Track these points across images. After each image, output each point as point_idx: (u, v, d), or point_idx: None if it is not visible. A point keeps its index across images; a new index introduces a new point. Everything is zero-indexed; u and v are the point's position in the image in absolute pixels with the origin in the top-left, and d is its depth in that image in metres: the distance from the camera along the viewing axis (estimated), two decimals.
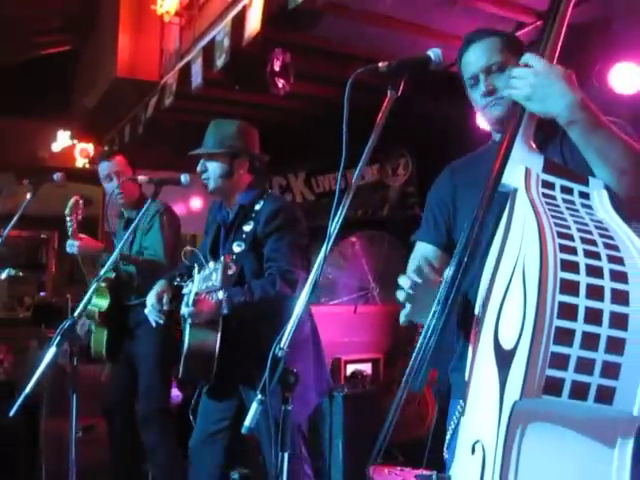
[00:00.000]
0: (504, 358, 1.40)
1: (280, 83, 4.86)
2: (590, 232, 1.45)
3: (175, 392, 4.44)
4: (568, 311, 1.32)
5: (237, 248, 3.11)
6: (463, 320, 1.79)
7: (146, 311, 3.19)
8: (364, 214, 7.31)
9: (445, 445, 1.85)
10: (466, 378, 1.63)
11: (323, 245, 1.80)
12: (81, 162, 9.76)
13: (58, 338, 2.64)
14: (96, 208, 8.42)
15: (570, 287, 1.34)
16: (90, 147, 9.82)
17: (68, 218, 3.99)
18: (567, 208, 1.53)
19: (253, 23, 4.31)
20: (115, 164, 4.20)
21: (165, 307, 3.14)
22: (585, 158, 1.67)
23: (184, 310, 2.94)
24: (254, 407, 1.70)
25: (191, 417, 3.54)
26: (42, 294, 12.21)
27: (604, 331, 1.32)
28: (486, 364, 1.49)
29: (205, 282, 2.68)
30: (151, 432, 4.03)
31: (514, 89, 1.69)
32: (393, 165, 7.01)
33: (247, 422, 1.71)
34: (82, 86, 8.81)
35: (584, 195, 1.59)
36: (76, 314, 2.75)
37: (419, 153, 6.70)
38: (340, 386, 4.91)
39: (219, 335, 3.02)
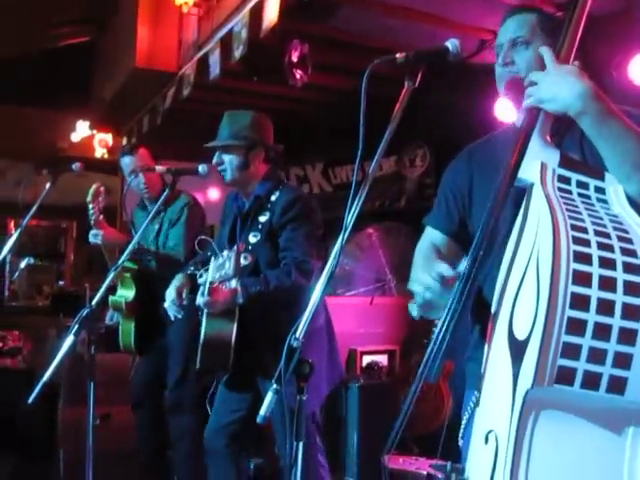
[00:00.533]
0: (517, 349, 1.41)
1: (298, 74, 4.86)
2: (604, 225, 1.45)
3: None
4: (580, 302, 1.33)
5: (253, 238, 3.13)
6: (478, 312, 1.77)
7: (165, 305, 3.21)
8: (381, 205, 7.31)
9: (460, 434, 1.85)
10: (482, 369, 1.63)
11: (339, 236, 1.80)
12: (100, 152, 9.84)
13: (76, 327, 2.66)
14: (115, 198, 8.46)
15: (583, 278, 1.34)
16: (109, 137, 9.88)
17: (90, 205, 3.99)
18: (582, 202, 1.53)
19: (271, 14, 4.31)
20: (139, 158, 4.20)
21: (185, 302, 3.16)
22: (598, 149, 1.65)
23: (199, 300, 2.95)
24: (269, 396, 1.71)
25: (208, 407, 3.57)
26: (61, 283, 12.32)
27: (616, 322, 1.32)
28: (500, 355, 1.50)
29: (218, 271, 2.70)
30: (179, 423, 4.05)
31: (528, 97, 1.69)
32: (411, 156, 7.01)
33: (262, 411, 1.71)
34: (101, 77, 8.85)
35: (600, 190, 1.58)
36: (94, 303, 2.77)
37: (437, 145, 6.69)
38: (356, 377, 4.93)
39: (235, 325, 3.03)
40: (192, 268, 3.25)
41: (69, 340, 2.62)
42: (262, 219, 3.14)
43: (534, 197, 1.57)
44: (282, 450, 3.20)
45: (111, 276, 2.93)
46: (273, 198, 3.17)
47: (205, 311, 3.04)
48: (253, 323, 3.08)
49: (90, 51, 9.22)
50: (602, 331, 1.32)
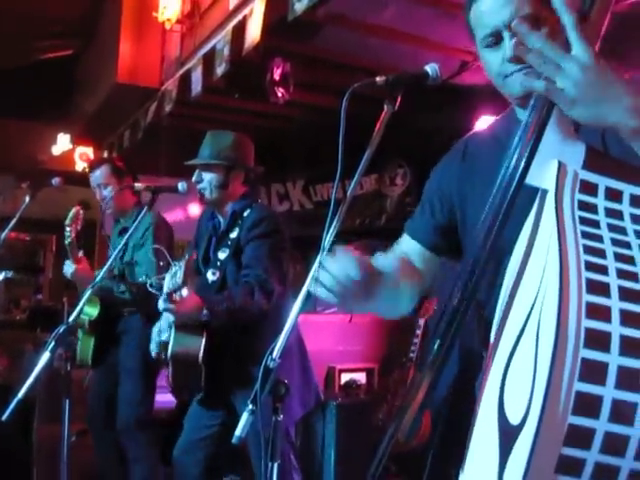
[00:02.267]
0: (508, 433, 1.06)
1: (280, 92, 4.88)
2: (636, 278, 1.04)
3: (169, 397, 4.41)
4: (588, 406, 0.96)
5: (222, 254, 3.13)
6: (484, 336, 1.42)
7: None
8: (362, 223, 7.32)
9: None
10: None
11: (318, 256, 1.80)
12: (81, 166, 9.78)
13: (52, 344, 2.64)
14: (95, 212, 8.42)
15: (594, 372, 0.97)
16: (90, 151, 9.83)
17: (68, 229, 3.94)
18: (610, 227, 1.11)
19: (253, 33, 4.33)
20: (99, 176, 4.13)
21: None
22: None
23: (162, 305, 2.87)
24: (245, 417, 1.70)
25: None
26: (39, 297, 12.21)
27: (635, 432, 0.96)
28: (487, 427, 1.15)
29: (171, 280, 2.68)
30: (131, 444, 3.96)
31: (552, 85, 1.16)
32: (391, 175, 7.04)
33: (238, 432, 1.70)
34: (83, 90, 8.83)
35: (636, 201, 1.15)
36: (70, 320, 2.76)
37: (417, 164, 6.72)
38: (334, 395, 4.92)
39: (203, 342, 3.00)
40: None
41: (45, 357, 2.61)
42: (232, 235, 3.15)
43: (546, 213, 1.16)
44: (257, 470, 3.18)
45: (88, 294, 2.92)
46: (245, 214, 3.18)
47: (173, 328, 3.04)
48: (221, 344, 3.05)
49: (72, 65, 9.21)
50: (614, 443, 0.96)
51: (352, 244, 5.45)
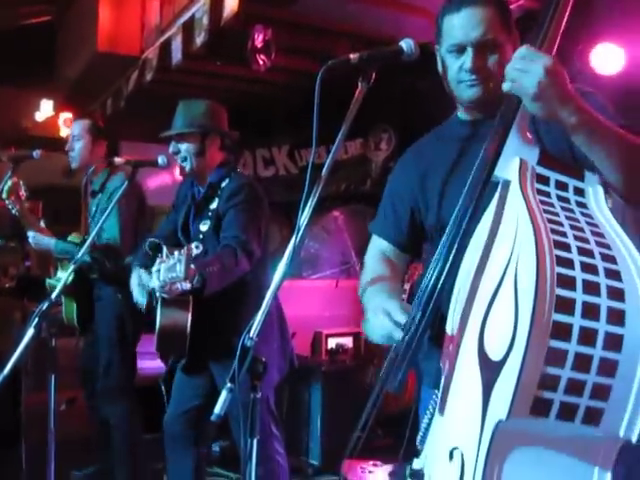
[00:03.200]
0: (490, 368, 1.35)
1: (261, 60, 4.85)
2: (587, 240, 1.39)
3: (158, 363, 4.43)
4: (562, 331, 1.27)
5: (203, 227, 3.15)
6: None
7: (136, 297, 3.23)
8: (347, 188, 7.31)
9: (419, 438, 1.75)
10: (444, 375, 1.60)
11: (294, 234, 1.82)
12: (65, 132, 9.67)
13: (36, 320, 2.67)
14: (80, 178, 8.38)
15: (566, 306, 1.29)
16: (73, 117, 9.73)
17: (9, 202, 4.00)
18: (562, 207, 1.46)
19: (231, 1, 4.28)
20: (75, 128, 4.16)
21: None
22: (589, 157, 1.57)
23: (155, 283, 2.82)
24: (224, 395, 1.72)
25: (163, 387, 3.60)
26: (27, 263, 12.17)
27: (597, 352, 1.27)
28: (468, 368, 1.44)
29: (170, 272, 2.66)
30: (112, 410, 3.99)
31: (517, 84, 1.53)
32: (376, 140, 7.01)
33: (217, 409, 1.72)
34: (65, 57, 8.72)
35: (579, 191, 1.53)
36: (53, 296, 2.78)
37: (402, 128, 6.69)
38: (319, 362, 4.97)
39: (190, 314, 3.04)
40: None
41: (29, 333, 2.64)
42: (212, 206, 3.17)
43: (511, 197, 1.50)
44: (238, 442, 3.24)
45: (71, 269, 2.94)
46: (223, 185, 3.19)
47: (160, 301, 3.06)
48: (205, 313, 3.08)
49: (53, 31, 9.08)
50: (583, 362, 1.27)
51: (337, 209, 5.49)
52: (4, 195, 3.98)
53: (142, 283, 3.18)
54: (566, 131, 1.55)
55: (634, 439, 1.32)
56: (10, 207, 4.00)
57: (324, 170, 1.89)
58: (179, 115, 3.26)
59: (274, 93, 6.96)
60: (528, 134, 1.62)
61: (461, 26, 1.83)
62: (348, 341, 5.24)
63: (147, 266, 3.23)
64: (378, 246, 2.16)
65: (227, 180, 3.21)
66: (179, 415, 3.31)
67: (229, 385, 1.72)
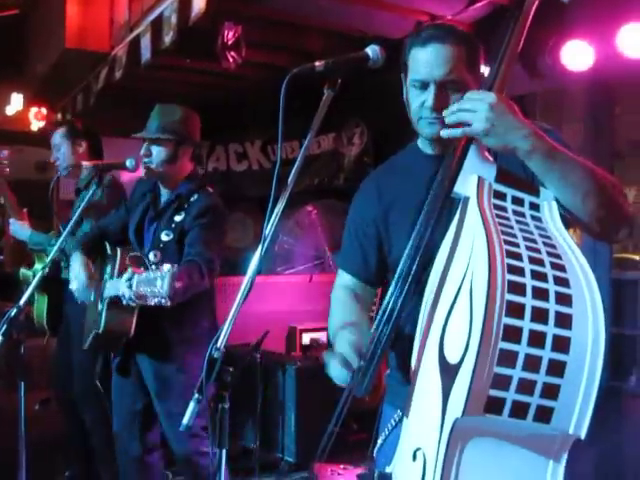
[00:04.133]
0: (448, 371, 1.44)
1: (231, 57, 4.83)
2: (539, 250, 1.47)
3: None
4: (513, 334, 1.36)
5: (165, 237, 3.13)
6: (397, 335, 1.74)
7: (74, 288, 3.25)
8: (320, 183, 7.32)
9: (376, 448, 1.83)
10: (410, 385, 1.65)
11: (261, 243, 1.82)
12: (36, 125, 9.56)
13: (4, 327, 2.66)
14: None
15: (516, 310, 1.37)
16: (44, 110, 9.63)
17: None
18: (517, 221, 1.54)
19: (199, 1, 4.24)
20: (54, 138, 4.19)
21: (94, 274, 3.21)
22: (546, 183, 1.63)
23: (126, 292, 2.81)
24: (192, 406, 1.72)
25: (99, 384, 3.61)
26: (0, 257, 12.05)
27: (546, 354, 1.35)
28: (430, 373, 1.52)
29: (150, 286, 2.63)
30: (89, 411, 3.99)
31: (467, 125, 1.60)
32: (348, 134, 7.01)
33: (185, 420, 1.73)
34: (33, 52, 8.62)
35: (534, 206, 1.60)
36: (21, 302, 2.76)
37: (374, 123, 6.70)
38: (292, 359, 4.99)
39: (135, 316, 3.07)
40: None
41: None
42: (177, 218, 3.15)
43: (469, 213, 1.57)
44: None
45: (39, 275, 2.92)
46: (192, 199, 3.18)
47: (106, 303, 3.08)
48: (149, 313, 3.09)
49: (21, 24, 8.97)
50: (532, 363, 1.35)
51: (311, 204, 5.49)
52: None
53: (88, 279, 3.22)
54: (523, 159, 1.61)
55: (582, 436, 1.39)
56: None
57: (291, 174, 1.87)
58: (155, 118, 3.23)
59: (246, 88, 6.93)
60: (486, 153, 1.67)
61: (426, 62, 1.83)
62: (322, 336, 5.26)
63: (89, 255, 3.33)
64: (345, 281, 2.15)
65: (196, 196, 3.19)
66: (123, 419, 3.35)
67: (197, 396, 1.73)
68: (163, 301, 2.62)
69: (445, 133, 1.67)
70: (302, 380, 4.71)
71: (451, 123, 1.65)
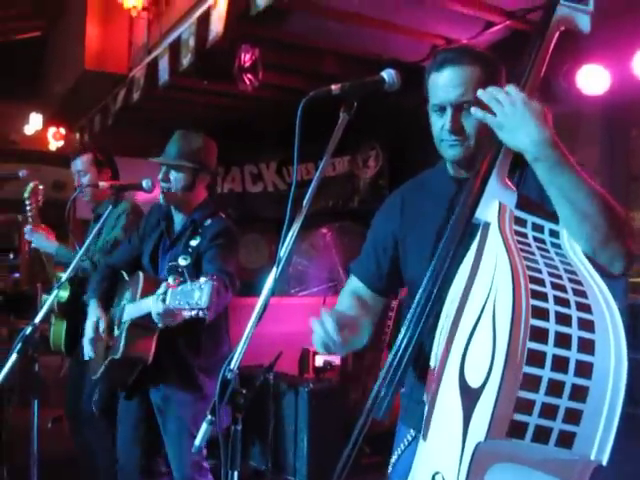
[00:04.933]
0: (469, 394, 1.44)
1: (248, 79, 4.86)
2: (560, 277, 1.48)
3: None
4: (536, 358, 1.37)
5: (183, 261, 3.11)
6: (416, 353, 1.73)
7: (84, 341, 3.20)
8: (335, 205, 7.34)
9: (390, 465, 1.84)
10: (427, 406, 1.65)
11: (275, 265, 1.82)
12: (54, 145, 9.66)
13: (19, 345, 2.67)
14: (70, 192, 8.38)
15: (539, 335, 1.38)
16: (63, 130, 9.73)
17: (27, 202, 4.01)
18: (538, 248, 1.55)
19: (217, 26, 4.28)
20: (79, 164, 4.19)
21: (102, 334, 3.15)
22: (550, 193, 1.62)
23: (159, 307, 2.73)
24: (204, 427, 1.73)
25: (94, 408, 3.59)
26: (16, 275, 12.11)
27: (569, 379, 1.37)
28: (450, 397, 1.52)
29: (186, 297, 2.56)
30: (92, 433, 3.98)
31: (489, 113, 1.63)
32: (364, 157, 7.04)
33: (197, 442, 1.73)
34: (53, 73, 8.73)
35: (554, 233, 1.61)
36: (37, 321, 2.78)
37: (390, 146, 6.72)
38: (306, 381, 4.97)
39: (154, 342, 3.04)
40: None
41: (12, 358, 2.64)
42: (193, 243, 3.14)
43: (490, 238, 1.59)
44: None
45: (54, 294, 2.94)
46: (206, 224, 3.18)
47: (126, 326, 3.04)
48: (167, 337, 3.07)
49: (42, 46, 9.10)
50: (555, 388, 1.36)
51: (325, 226, 5.49)
52: (26, 194, 4.02)
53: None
54: (529, 162, 1.62)
55: (604, 462, 1.38)
56: (27, 208, 4.04)
57: (307, 196, 1.86)
58: (175, 144, 3.22)
59: (262, 110, 6.98)
60: (507, 180, 1.68)
61: (443, 85, 1.85)
62: (336, 358, 5.24)
63: (106, 299, 3.28)
64: (354, 286, 2.16)
65: (209, 221, 3.19)
66: (127, 443, 3.32)
67: (209, 417, 1.73)
68: (201, 313, 2.57)
69: (472, 110, 1.69)
70: (314, 402, 4.68)
71: (481, 101, 1.67)
